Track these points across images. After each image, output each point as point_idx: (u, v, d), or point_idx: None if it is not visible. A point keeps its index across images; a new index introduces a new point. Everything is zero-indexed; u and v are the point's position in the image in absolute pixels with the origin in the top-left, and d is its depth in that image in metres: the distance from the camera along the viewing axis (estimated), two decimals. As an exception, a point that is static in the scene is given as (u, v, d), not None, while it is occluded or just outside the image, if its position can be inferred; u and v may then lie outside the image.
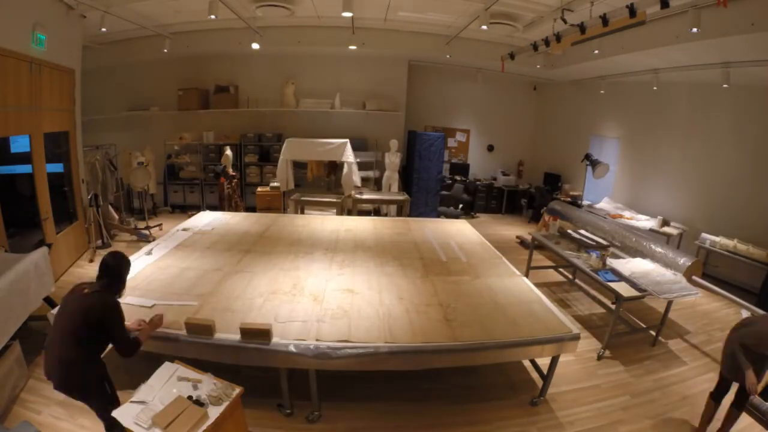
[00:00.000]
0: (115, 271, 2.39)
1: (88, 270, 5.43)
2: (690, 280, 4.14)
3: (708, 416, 3.02)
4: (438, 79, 9.50)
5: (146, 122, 8.49)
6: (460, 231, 5.57)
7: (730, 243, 5.41)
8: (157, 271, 3.77)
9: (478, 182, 9.89)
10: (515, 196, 9.98)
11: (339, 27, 7.08)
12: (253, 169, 8.66)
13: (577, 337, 3.05)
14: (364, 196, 7.42)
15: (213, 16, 5.25)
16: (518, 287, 3.80)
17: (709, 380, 3.69)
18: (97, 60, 7.17)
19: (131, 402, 2.19)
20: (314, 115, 8.74)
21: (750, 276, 5.28)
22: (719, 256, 5.61)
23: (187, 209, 8.27)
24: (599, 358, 3.94)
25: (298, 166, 8.01)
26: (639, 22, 3.81)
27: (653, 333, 4.27)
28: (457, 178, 9.67)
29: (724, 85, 5.25)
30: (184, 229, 5.06)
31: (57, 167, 5.55)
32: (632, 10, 3.74)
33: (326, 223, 5.77)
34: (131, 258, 3.98)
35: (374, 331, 2.92)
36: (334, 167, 7.99)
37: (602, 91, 7.77)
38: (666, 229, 6.13)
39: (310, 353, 2.69)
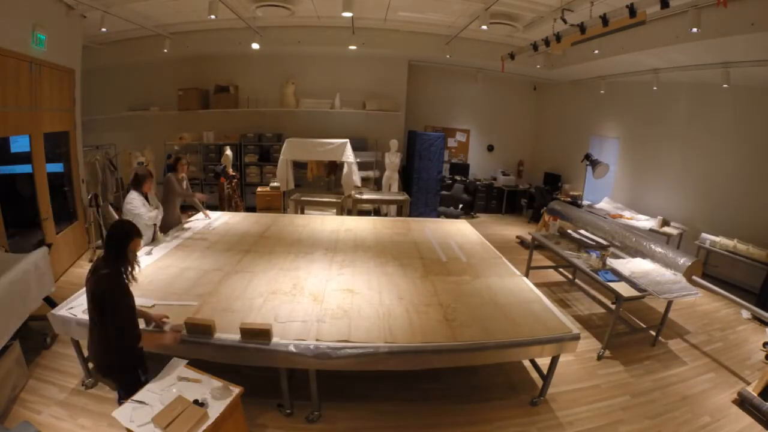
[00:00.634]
0: (112, 239, 2.29)
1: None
2: (690, 280, 4.14)
3: None
4: (438, 79, 9.50)
5: (146, 122, 8.49)
6: (460, 231, 5.57)
7: (730, 243, 5.41)
8: (157, 271, 3.77)
9: (478, 182, 9.89)
10: (515, 196, 9.99)
11: (339, 27, 7.08)
12: (253, 169, 8.66)
13: (577, 337, 3.05)
14: (364, 196, 7.42)
15: (213, 16, 5.25)
16: (518, 287, 3.80)
17: (709, 380, 3.70)
18: (97, 60, 7.17)
19: (132, 402, 2.19)
20: (314, 115, 8.74)
21: (750, 276, 5.28)
22: (719, 256, 5.61)
23: (187, 209, 8.26)
24: (599, 358, 3.94)
25: (298, 166, 8.01)
26: (639, 22, 3.81)
27: (653, 333, 4.27)
28: (458, 178, 9.67)
29: (724, 85, 5.26)
30: (184, 229, 5.05)
31: (57, 167, 5.55)
32: (632, 10, 3.74)
33: (326, 223, 5.77)
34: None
35: (374, 331, 2.92)
36: (334, 167, 7.99)
37: (602, 91, 7.77)
38: (666, 229, 6.13)
39: (310, 353, 2.69)
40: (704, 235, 5.75)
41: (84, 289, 2.49)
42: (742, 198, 5.69)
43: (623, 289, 3.92)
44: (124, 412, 2.12)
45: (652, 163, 7.06)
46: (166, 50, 6.97)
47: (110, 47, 7.35)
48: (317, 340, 2.78)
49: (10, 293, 3.06)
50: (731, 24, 4.06)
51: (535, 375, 3.51)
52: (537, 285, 3.88)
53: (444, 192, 9.00)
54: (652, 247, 4.71)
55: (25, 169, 4.83)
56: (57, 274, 4.80)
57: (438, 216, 8.35)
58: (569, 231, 5.55)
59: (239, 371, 3.08)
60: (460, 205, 8.95)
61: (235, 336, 2.75)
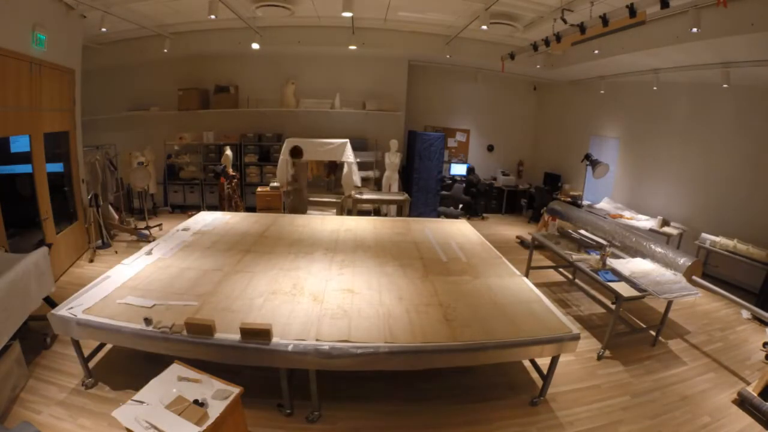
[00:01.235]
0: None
1: (88, 270, 5.44)
2: (690, 280, 4.13)
3: None
4: (438, 79, 9.49)
5: (146, 122, 8.49)
6: (460, 231, 5.57)
7: (730, 243, 5.41)
8: (157, 271, 3.77)
9: (482, 182, 9.85)
10: (515, 196, 9.98)
11: (339, 27, 7.08)
12: (253, 169, 8.66)
13: (577, 337, 3.05)
14: (364, 196, 7.42)
15: (213, 16, 5.25)
16: (518, 287, 3.79)
17: (709, 380, 3.70)
18: (97, 60, 7.17)
19: (132, 402, 2.19)
20: (314, 115, 8.73)
21: (750, 276, 5.28)
22: (719, 256, 5.61)
23: (187, 209, 8.27)
24: (599, 358, 3.94)
25: (298, 166, 8.00)
26: (639, 22, 3.81)
27: (653, 333, 4.27)
28: (457, 178, 9.65)
29: (724, 85, 5.26)
30: (184, 229, 5.05)
31: (57, 167, 5.55)
32: (632, 10, 3.74)
33: (326, 223, 5.76)
34: (131, 258, 4.02)
35: (374, 331, 2.92)
36: (334, 167, 8.00)
37: (602, 91, 7.77)
38: (666, 229, 6.13)
39: (310, 353, 2.69)
40: (704, 235, 5.75)
41: (84, 288, 2.47)
42: (742, 198, 5.69)
43: (623, 289, 3.92)
44: (124, 412, 2.12)
45: (652, 163, 7.06)
46: (166, 50, 6.97)
47: (110, 47, 7.35)
48: (317, 340, 2.78)
49: (10, 293, 3.06)
50: (731, 24, 4.05)
51: (535, 375, 3.51)
52: (537, 285, 3.88)
53: (444, 192, 8.99)
54: (652, 247, 4.71)
55: (25, 169, 4.84)
56: (57, 274, 4.81)
57: (438, 216, 8.35)
58: (569, 231, 5.55)
59: (239, 371, 3.09)
60: (460, 206, 8.94)
61: (235, 336, 2.75)
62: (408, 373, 3.27)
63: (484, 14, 5.32)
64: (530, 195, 9.62)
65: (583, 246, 5.03)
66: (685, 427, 3.10)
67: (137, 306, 3.07)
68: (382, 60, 8.66)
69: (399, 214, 7.43)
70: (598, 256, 4.53)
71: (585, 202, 7.99)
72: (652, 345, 4.22)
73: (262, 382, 3.11)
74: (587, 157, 7.36)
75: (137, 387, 2.37)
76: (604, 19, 4.07)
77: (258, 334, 2.71)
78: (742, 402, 3.31)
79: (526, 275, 4.65)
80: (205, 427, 2.05)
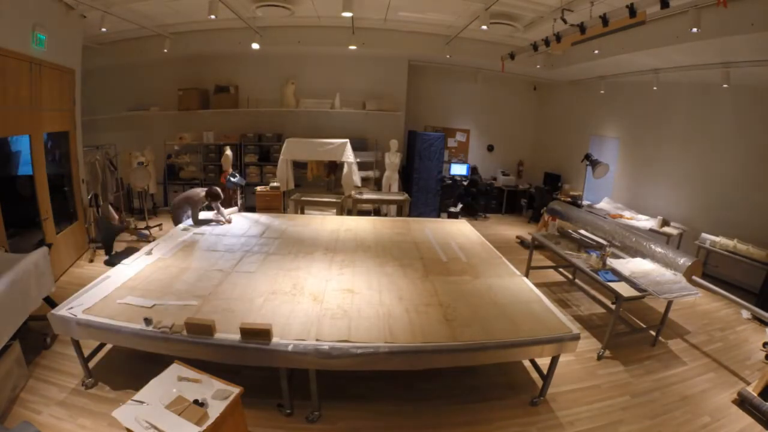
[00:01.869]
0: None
1: (88, 270, 5.44)
2: (690, 280, 4.13)
3: None
4: (438, 79, 9.49)
5: (146, 122, 8.49)
6: (460, 231, 5.57)
7: (730, 243, 5.41)
8: (157, 271, 3.77)
9: (478, 184, 9.85)
10: (515, 196, 9.98)
11: (339, 27, 7.07)
12: (253, 169, 8.66)
13: (577, 337, 3.05)
14: (364, 196, 7.42)
15: (213, 16, 5.24)
16: (518, 287, 3.80)
17: (709, 380, 3.70)
18: (97, 60, 7.17)
19: (132, 402, 2.19)
20: (314, 115, 8.73)
21: (750, 276, 5.28)
22: (719, 256, 5.61)
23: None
24: (599, 358, 3.94)
25: (298, 166, 8.01)
26: (639, 22, 3.81)
27: (653, 333, 4.27)
28: (457, 178, 9.65)
29: (724, 85, 5.26)
30: (184, 229, 5.06)
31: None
32: (632, 10, 3.74)
33: (326, 223, 5.77)
34: (131, 258, 4.02)
35: (374, 331, 2.92)
36: (334, 167, 8.00)
37: (602, 91, 7.77)
38: (666, 229, 6.13)
39: (310, 353, 2.70)
40: (704, 235, 5.75)
41: (84, 288, 2.47)
42: (742, 198, 5.68)
43: (623, 289, 3.92)
44: (124, 412, 2.12)
45: (652, 163, 7.06)
46: (166, 50, 6.96)
47: (110, 47, 7.35)
48: (317, 340, 2.78)
49: (10, 293, 3.06)
50: (731, 24, 4.05)
51: (535, 375, 3.51)
52: (537, 285, 3.88)
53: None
54: (652, 247, 4.71)
55: (25, 169, 4.84)
56: (57, 274, 4.81)
57: (443, 213, 8.34)
58: (569, 231, 5.55)
59: (239, 371, 3.08)
60: (460, 205, 8.93)
61: (235, 336, 2.75)
62: (408, 373, 3.28)
63: (484, 14, 5.32)
64: (530, 195, 9.61)
65: (583, 246, 5.03)
66: (685, 427, 3.10)
67: (137, 306, 3.07)
68: (382, 60, 8.66)
69: (399, 214, 7.43)
70: (598, 256, 4.53)
71: (585, 202, 7.98)
72: (652, 345, 4.22)
73: (262, 382, 3.11)
74: (587, 157, 7.36)
75: (137, 387, 2.37)
76: (604, 19, 4.07)
77: (258, 334, 2.71)
78: (742, 402, 3.31)
79: (526, 275, 4.65)
80: (205, 427, 2.05)
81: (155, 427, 2.03)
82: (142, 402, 2.19)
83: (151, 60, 7.93)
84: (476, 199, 9.35)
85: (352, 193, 7.28)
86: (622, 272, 4.23)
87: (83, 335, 2.99)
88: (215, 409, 2.17)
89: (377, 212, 8.52)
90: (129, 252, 4.78)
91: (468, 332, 2.97)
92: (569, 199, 8.08)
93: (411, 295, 3.51)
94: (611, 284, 3.99)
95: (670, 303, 4.03)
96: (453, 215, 8.39)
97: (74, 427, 2.78)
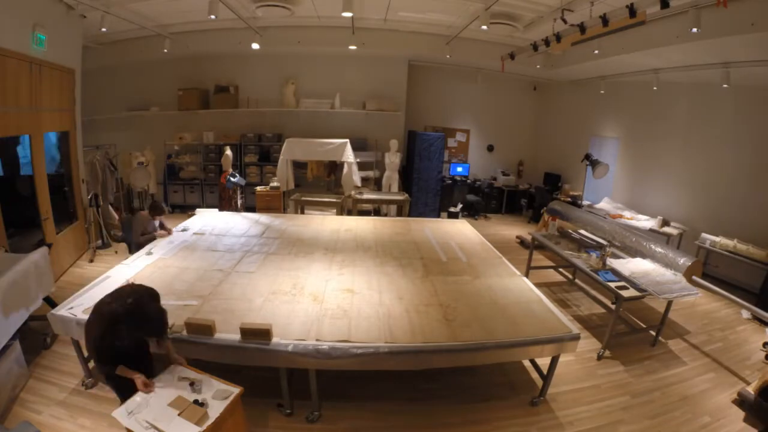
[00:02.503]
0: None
1: (88, 270, 5.43)
2: (690, 280, 4.13)
3: None
4: (438, 79, 9.49)
5: (146, 122, 8.49)
6: (460, 231, 5.57)
7: (730, 243, 5.41)
8: (157, 271, 3.77)
9: (478, 182, 9.86)
10: (515, 196, 9.98)
11: (339, 27, 7.07)
12: (253, 169, 8.66)
13: (577, 337, 3.05)
14: (364, 196, 7.42)
15: (213, 16, 5.24)
16: (518, 287, 3.80)
17: (709, 380, 3.70)
18: (97, 60, 7.17)
19: (132, 402, 2.19)
20: (314, 115, 8.74)
21: (750, 276, 5.28)
22: (719, 256, 5.61)
23: (187, 209, 8.27)
24: (599, 358, 3.94)
25: (298, 166, 8.01)
26: (639, 22, 3.81)
27: (653, 333, 4.27)
28: (457, 178, 9.66)
29: (724, 85, 5.26)
30: (184, 230, 5.06)
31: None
32: (632, 10, 3.74)
33: (326, 223, 5.77)
34: (130, 259, 4.02)
35: (374, 331, 2.92)
36: (334, 167, 8.00)
37: (602, 91, 7.77)
38: (666, 229, 6.13)
39: (310, 353, 2.70)
40: (704, 235, 5.75)
41: (84, 288, 2.48)
42: (742, 198, 5.68)
43: (623, 289, 3.92)
44: (125, 412, 2.12)
45: (652, 163, 7.06)
46: (166, 50, 6.97)
47: (110, 47, 7.35)
48: (317, 340, 2.78)
49: (10, 293, 3.06)
50: (731, 24, 4.05)
51: (535, 375, 3.51)
52: (537, 285, 3.88)
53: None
54: (652, 247, 4.71)
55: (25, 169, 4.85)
56: (57, 274, 4.80)
57: (438, 215, 8.36)
58: (569, 231, 5.54)
59: (239, 371, 3.08)
60: (460, 205, 8.93)
61: (235, 336, 2.75)
62: (408, 372, 3.28)
63: (484, 14, 5.32)
64: (530, 195, 9.61)
65: (583, 246, 5.03)
66: (685, 427, 3.10)
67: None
68: (382, 60, 8.66)
69: (399, 214, 7.43)
70: (598, 256, 4.53)
71: (585, 202, 7.98)
72: (652, 345, 4.22)
73: (262, 382, 3.11)
74: (587, 157, 7.36)
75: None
76: (604, 19, 4.07)
77: (258, 334, 2.71)
78: (742, 402, 3.31)
79: (526, 275, 4.65)
80: (205, 427, 2.05)
81: (155, 427, 2.03)
82: (142, 402, 2.19)
83: (151, 60, 7.94)
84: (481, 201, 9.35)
85: (352, 193, 7.29)
86: (622, 272, 4.23)
87: (83, 335, 2.98)
88: (215, 409, 2.17)
89: (377, 212, 8.52)
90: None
91: (468, 332, 2.97)
92: (569, 199, 8.08)
93: (411, 295, 3.51)
94: (611, 284, 3.99)
95: (670, 303, 4.03)
96: (453, 215, 8.39)
97: (74, 427, 2.78)
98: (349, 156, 7.18)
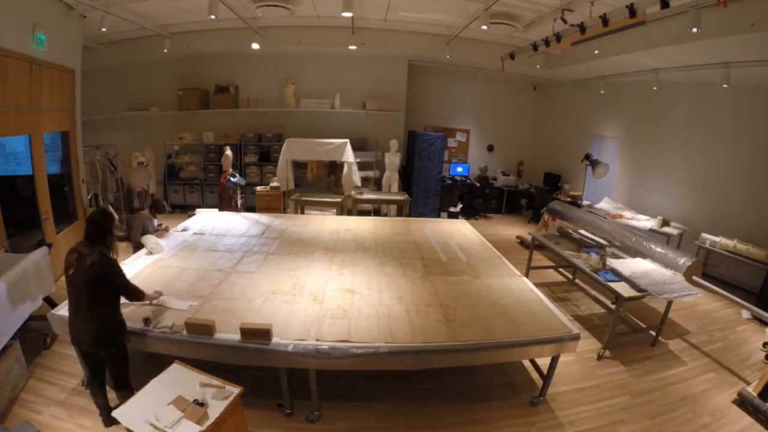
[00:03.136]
0: (105, 226, 2.61)
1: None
2: (690, 280, 4.13)
3: None
4: (438, 79, 9.49)
5: (146, 122, 8.49)
6: (460, 231, 5.57)
7: (730, 243, 5.41)
8: (157, 271, 3.77)
9: (478, 183, 9.83)
10: (515, 196, 9.98)
11: (339, 27, 7.08)
12: (253, 169, 8.66)
13: (577, 337, 3.05)
14: (364, 196, 7.42)
15: (213, 16, 5.24)
16: (518, 287, 3.80)
17: (709, 380, 3.70)
18: (97, 60, 7.17)
19: (132, 402, 2.19)
20: (314, 115, 8.74)
21: (750, 276, 5.27)
22: (719, 256, 5.61)
23: (187, 209, 8.27)
24: (599, 358, 3.94)
25: (298, 166, 8.01)
26: (639, 22, 3.81)
27: (653, 333, 4.27)
28: (457, 178, 9.67)
29: (724, 85, 5.26)
30: (184, 230, 5.05)
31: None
32: (632, 10, 3.74)
33: (326, 223, 5.77)
34: (131, 259, 4.03)
35: (374, 331, 2.92)
36: (334, 167, 7.99)
37: (602, 91, 7.77)
38: (666, 229, 6.13)
39: (310, 353, 2.69)
40: (704, 235, 5.75)
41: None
42: (742, 198, 5.68)
43: (623, 289, 3.92)
44: (125, 412, 2.12)
45: (652, 163, 7.06)
46: (166, 50, 6.97)
47: (110, 47, 7.35)
48: (317, 340, 2.78)
49: (10, 293, 3.06)
50: (731, 24, 4.05)
51: (535, 375, 3.51)
52: (537, 285, 3.88)
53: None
54: (652, 247, 4.71)
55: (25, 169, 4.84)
56: (57, 274, 4.79)
57: (438, 215, 8.35)
58: (569, 231, 5.54)
59: (239, 371, 3.08)
60: (459, 205, 8.93)
61: (235, 336, 2.75)
62: (408, 373, 3.28)
63: (484, 14, 5.32)
64: (530, 195, 9.61)
65: (583, 246, 5.03)
66: (685, 427, 3.10)
67: (137, 306, 3.07)
68: (382, 60, 8.66)
69: (399, 214, 7.43)
70: (598, 256, 4.53)
71: (585, 202, 7.98)
72: (652, 345, 4.22)
73: (262, 382, 3.11)
74: (587, 157, 7.36)
75: (137, 387, 2.37)
76: (604, 19, 4.07)
77: (258, 334, 2.71)
78: (742, 402, 3.31)
79: (526, 275, 4.65)
80: (205, 426, 2.05)
81: (156, 427, 2.03)
82: (142, 402, 2.19)
83: (151, 60, 7.94)
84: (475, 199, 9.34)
85: (352, 193, 7.28)
86: (622, 272, 4.23)
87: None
88: (215, 409, 2.18)
89: (377, 212, 8.51)
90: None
91: (468, 332, 2.97)
92: (569, 199, 8.08)
93: (411, 295, 3.51)
94: (611, 284, 4.00)
95: (670, 303, 4.03)
96: (453, 215, 8.39)
97: (74, 427, 2.78)
98: (349, 156, 7.18)
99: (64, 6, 5.17)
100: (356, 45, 7.38)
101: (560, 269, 6.08)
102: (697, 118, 6.27)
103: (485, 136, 10.27)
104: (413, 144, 8.64)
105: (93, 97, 7.23)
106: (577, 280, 5.81)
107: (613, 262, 4.47)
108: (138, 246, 4.45)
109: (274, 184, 7.49)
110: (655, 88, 6.41)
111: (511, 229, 8.49)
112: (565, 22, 4.58)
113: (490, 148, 10.37)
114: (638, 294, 3.88)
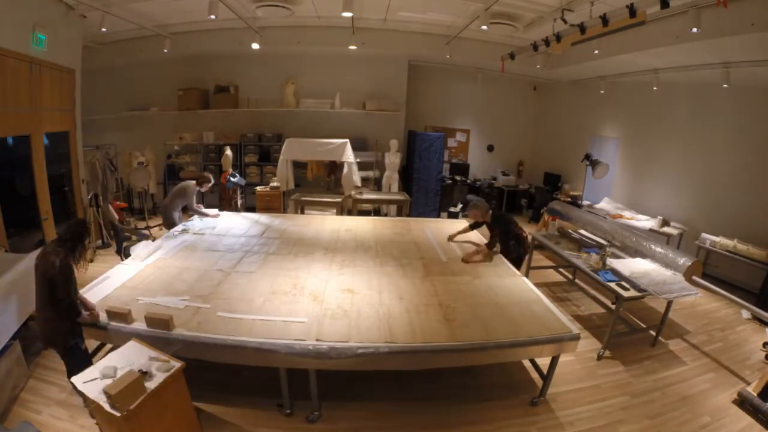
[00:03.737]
0: (78, 234, 2.67)
1: (88, 270, 5.42)
2: (690, 280, 4.13)
3: None
4: (438, 79, 9.49)
5: (146, 122, 8.49)
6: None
7: (730, 243, 5.41)
8: (157, 271, 3.77)
9: (478, 182, 9.85)
10: (515, 196, 9.98)
11: (339, 27, 7.07)
12: (253, 169, 8.66)
13: (577, 337, 3.04)
14: (364, 196, 7.42)
15: (213, 16, 5.24)
16: (518, 287, 3.79)
17: (709, 380, 3.70)
18: (97, 60, 7.17)
19: (89, 370, 2.36)
20: (314, 115, 8.73)
21: (750, 276, 5.28)
22: (719, 256, 5.61)
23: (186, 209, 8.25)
24: (599, 358, 3.94)
25: (298, 166, 8.01)
26: (639, 22, 3.80)
27: (653, 333, 4.27)
28: (457, 178, 9.68)
29: (724, 85, 5.25)
30: (183, 230, 5.05)
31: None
32: (632, 10, 3.74)
33: (326, 223, 5.77)
34: (131, 258, 4.03)
35: (374, 331, 2.92)
36: (334, 167, 7.99)
37: (602, 91, 7.77)
38: (666, 229, 6.13)
39: (310, 353, 2.69)
40: (704, 235, 5.75)
41: (84, 288, 2.56)
42: (742, 198, 5.68)
43: (623, 289, 3.92)
44: (81, 378, 2.31)
45: (652, 163, 7.06)
46: (166, 50, 6.96)
47: (110, 47, 7.35)
48: (317, 340, 2.77)
49: (10, 293, 3.06)
50: (731, 24, 4.05)
51: (535, 375, 3.51)
52: (537, 285, 3.88)
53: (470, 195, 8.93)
54: (652, 247, 4.71)
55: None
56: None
57: (438, 215, 8.35)
58: (569, 231, 5.54)
59: (239, 371, 3.09)
60: (460, 205, 8.93)
61: (235, 336, 2.75)
62: (408, 373, 3.28)
63: (484, 14, 5.32)
64: (530, 195, 9.61)
65: (583, 246, 5.03)
66: (685, 427, 3.10)
67: (165, 306, 3.09)
68: (382, 60, 8.66)
69: (399, 214, 7.43)
70: (598, 256, 4.53)
71: (585, 202, 7.98)
72: (652, 345, 4.22)
73: (262, 382, 3.11)
74: (587, 157, 7.35)
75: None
76: (604, 19, 4.07)
77: (159, 323, 2.77)
78: (742, 402, 3.31)
79: (526, 275, 4.65)
80: (145, 395, 2.23)
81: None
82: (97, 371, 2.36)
83: (151, 60, 7.94)
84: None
85: (352, 193, 7.28)
86: (622, 272, 4.23)
87: (84, 335, 2.98)
88: (158, 379, 2.35)
89: (377, 212, 8.52)
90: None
91: (468, 332, 2.97)
92: (569, 199, 8.08)
93: (411, 295, 3.51)
94: (611, 284, 3.99)
95: (670, 303, 4.03)
96: (453, 215, 8.39)
97: (74, 427, 2.78)
98: (349, 156, 7.18)
99: (64, 6, 5.17)
100: (356, 45, 7.38)
101: (560, 269, 6.08)
102: (697, 118, 6.27)
103: (485, 136, 10.27)
104: (413, 144, 8.64)
105: (93, 97, 7.24)
106: (577, 280, 5.81)
107: (613, 262, 4.47)
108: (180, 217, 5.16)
109: (274, 184, 7.49)
110: (655, 88, 6.41)
111: (511, 229, 8.47)
112: (565, 22, 4.58)
113: (490, 148, 10.37)
114: (638, 294, 3.87)
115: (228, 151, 7.31)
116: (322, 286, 3.62)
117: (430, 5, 6.07)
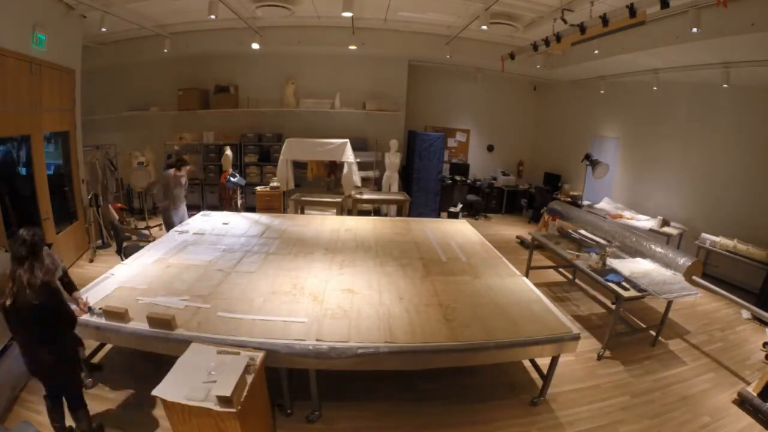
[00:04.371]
0: (36, 247, 2.34)
1: (88, 270, 5.43)
2: (690, 280, 4.13)
3: None
4: (438, 79, 9.50)
5: (146, 122, 8.49)
6: (460, 231, 5.57)
7: (730, 243, 5.41)
8: (157, 271, 3.77)
9: (478, 182, 9.86)
10: (515, 196, 9.98)
11: (339, 27, 7.08)
12: (253, 169, 8.66)
13: (577, 337, 3.04)
14: (364, 196, 7.42)
15: (213, 16, 5.25)
16: (518, 287, 3.80)
17: (709, 380, 3.70)
18: (97, 60, 7.17)
19: (169, 379, 2.28)
20: (314, 115, 8.73)
21: (750, 276, 5.28)
22: (719, 256, 5.61)
23: (190, 209, 8.26)
24: (599, 358, 3.94)
25: (298, 166, 8.01)
26: (639, 22, 3.80)
27: (653, 333, 4.27)
28: (457, 178, 9.69)
29: (724, 85, 5.26)
30: (182, 231, 5.05)
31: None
32: (632, 10, 3.73)
33: (326, 223, 5.77)
34: (131, 258, 4.03)
35: (374, 331, 2.92)
36: (334, 167, 7.99)
37: (602, 91, 7.77)
38: (666, 229, 6.13)
39: (310, 353, 2.69)
40: (704, 235, 5.75)
41: (84, 288, 2.50)
42: (742, 198, 5.68)
43: (623, 289, 3.92)
44: (166, 389, 2.23)
45: (652, 163, 7.06)
46: (166, 50, 6.96)
47: (110, 47, 7.35)
48: (317, 340, 2.77)
49: (10, 293, 3.05)
50: (731, 24, 4.06)
51: (535, 375, 3.51)
52: (537, 285, 3.88)
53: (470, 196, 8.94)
54: (652, 247, 4.71)
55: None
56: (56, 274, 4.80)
57: (438, 215, 8.35)
58: (569, 231, 5.54)
59: (239, 371, 3.07)
60: (460, 205, 8.93)
61: (235, 336, 2.75)
62: (408, 373, 3.28)
63: (484, 14, 5.32)
64: (530, 195, 9.62)
65: (583, 246, 5.02)
66: (685, 427, 3.10)
67: (164, 306, 3.08)
68: (382, 60, 8.66)
69: (399, 214, 7.43)
70: (598, 256, 4.53)
71: (585, 202, 7.98)
72: (652, 345, 4.22)
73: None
74: (587, 157, 7.35)
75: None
76: (604, 19, 4.07)
77: (162, 324, 2.76)
78: (742, 402, 3.31)
79: (526, 275, 4.65)
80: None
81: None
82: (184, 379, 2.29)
83: (151, 60, 7.94)
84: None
85: (352, 193, 7.28)
86: (622, 272, 4.23)
87: (83, 335, 2.98)
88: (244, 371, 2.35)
89: (377, 212, 8.52)
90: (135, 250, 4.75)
91: (468, 332, 2.97)
92: (569, 199, 8.08)
93: (411, 295, 3.51)
94: (611, 284, 3.99)
95: (670, 303, 4.03)
96: (453, 215, 8.39)
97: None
98: (349, 156, 7.18)
99: (64, 6, 5.17)
100: (356, 45, 7.38)
101: (560, 269, 6.08)
102: (697, 118, 6.27)
103: (485, 136, 10.27)
104: (413, 144, 8.64)
105: (93, 97, 7.24)
106: (577, 280, 5.81)
107: (613, 262, 4.47)
108: (165, 211, 5.16)
109: (274, 184, 7.49)
110: (655, 88, 6.41)
111: (511, 229, 8.49)
112: (565, 22, 4.58)
113: (490, 148, 10.37)
114: (638, 294, 3.87)
115: (228, 151, 7.31)
116: (322, 286, 3.62)
117: (430, 5, 6.07)
